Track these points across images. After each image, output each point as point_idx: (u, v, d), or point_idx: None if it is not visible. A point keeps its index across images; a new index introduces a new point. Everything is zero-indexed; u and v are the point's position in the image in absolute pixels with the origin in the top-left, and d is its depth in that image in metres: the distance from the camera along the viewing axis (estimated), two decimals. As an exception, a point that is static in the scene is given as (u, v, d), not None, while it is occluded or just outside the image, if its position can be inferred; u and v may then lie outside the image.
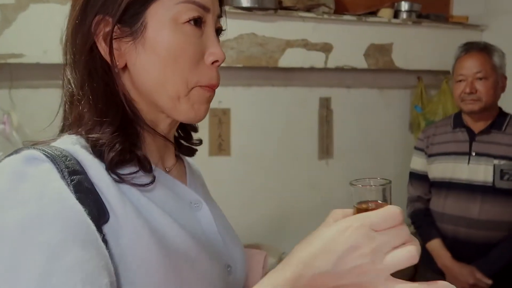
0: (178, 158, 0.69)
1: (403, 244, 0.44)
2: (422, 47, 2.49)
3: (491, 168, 1.59)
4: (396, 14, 2.45)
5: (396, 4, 2.46)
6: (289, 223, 2.36)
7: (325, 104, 2.42)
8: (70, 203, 0.45)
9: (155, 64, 0.55)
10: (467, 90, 1.62)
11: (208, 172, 2.61)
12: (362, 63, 2.38)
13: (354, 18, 2.31)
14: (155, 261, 0.49)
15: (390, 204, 0.48)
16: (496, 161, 1.59)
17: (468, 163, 1.65)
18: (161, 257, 0.50)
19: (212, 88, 0.60)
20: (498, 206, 1.58)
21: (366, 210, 0.47)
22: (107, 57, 0.55)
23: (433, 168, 1.75)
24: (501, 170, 1.58)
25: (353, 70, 2.40)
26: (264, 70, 2.25)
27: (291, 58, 2.22)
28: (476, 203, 1.60)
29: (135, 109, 0.58)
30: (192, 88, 0.57)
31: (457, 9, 2.70)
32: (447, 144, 1.73)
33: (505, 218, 1.58)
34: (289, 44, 2.21)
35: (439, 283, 0.43)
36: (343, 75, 2.45)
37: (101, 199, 0.49)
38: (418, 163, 1.83)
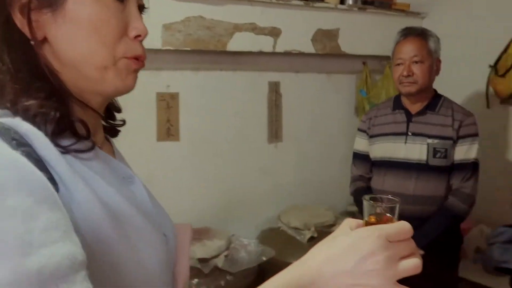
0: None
1: (410, 255, 0.52)
2: (367, 33, 2.57)
3: (425, 147, 1.69)
4: (343, 0, 2.50)
5: (342, -10, 2.52)
6: (239, 206, 2.38)
7: (274, 88, 2.45)
8: (30, 169, 0.44)
9: (78, 36, 0.55)
10: (405, 73, 1.70)
11: (156, 157, 2.55)
12: (309, 48, 2.43)
13: (301, 3, 2.34)
14: (106, 228, 0.51)
15: (396, 218, 0.57)
16: (430, 140, 1.69)
17: (405, 142, 1.74)
18: (112, 225, 0.51)
19: (139, 61, 0.60)
20: (431, 182, 1.69)
21: (378, 222, 0.56)
22: (24, 29, 0.54)
23: (374, 148, 1.83)
24: (434, 149, 1.68)
25: (301, 54, 2.44)
26: (213, 54, 2.24)
27: (239, 42, 2.22)
28: (411, 180, 1.70)
29: (59, 81, 0.57)
30: (119, 59, 0.57)
31: (400, -3, 2.80)
32: (387, 125, 1.81)
33: (436, 193, 1.69)
34: (237, 27, 2.21)
35: None
36: (292, 59, 2.48)
37: (49, 171, 0.48)
38: (361, 143, 1.91)
